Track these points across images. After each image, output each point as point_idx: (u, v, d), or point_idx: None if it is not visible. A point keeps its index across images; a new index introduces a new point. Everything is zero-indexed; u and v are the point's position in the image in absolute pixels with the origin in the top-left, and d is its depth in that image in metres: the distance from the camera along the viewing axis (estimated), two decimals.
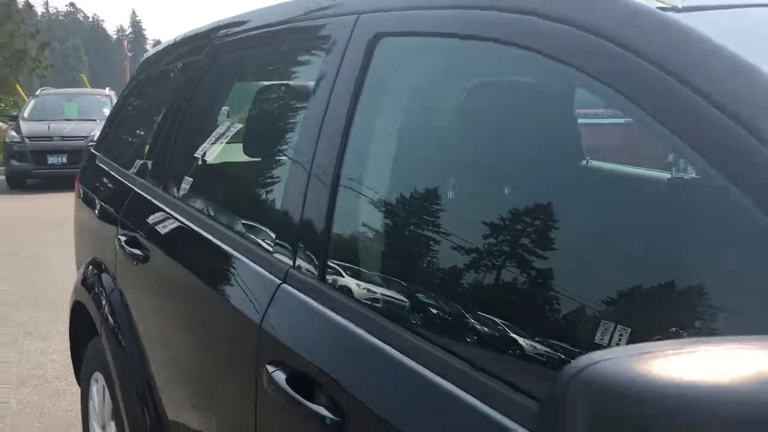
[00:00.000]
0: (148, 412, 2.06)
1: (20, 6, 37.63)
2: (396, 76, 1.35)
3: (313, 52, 1.63)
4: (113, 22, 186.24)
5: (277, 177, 1.60)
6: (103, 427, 2.46)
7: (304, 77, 1.68)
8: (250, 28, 2.01)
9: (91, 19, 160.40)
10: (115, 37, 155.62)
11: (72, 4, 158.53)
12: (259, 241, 1.53)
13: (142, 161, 2.48)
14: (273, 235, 1.48)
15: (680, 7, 0.93)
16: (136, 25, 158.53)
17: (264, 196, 1.74)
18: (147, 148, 2.56)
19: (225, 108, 2.25)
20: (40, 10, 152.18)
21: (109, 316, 2.28)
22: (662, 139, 0.84)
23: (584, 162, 1.36)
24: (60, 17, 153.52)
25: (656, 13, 0.90)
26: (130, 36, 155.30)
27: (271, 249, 1.46)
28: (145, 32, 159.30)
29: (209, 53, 2.20)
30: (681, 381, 0.52)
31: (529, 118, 1.11)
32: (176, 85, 2.47)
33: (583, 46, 0.93)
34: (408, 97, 1.35)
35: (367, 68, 1.32)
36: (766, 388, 0.51)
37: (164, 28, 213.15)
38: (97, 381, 2.53)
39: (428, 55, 1.31)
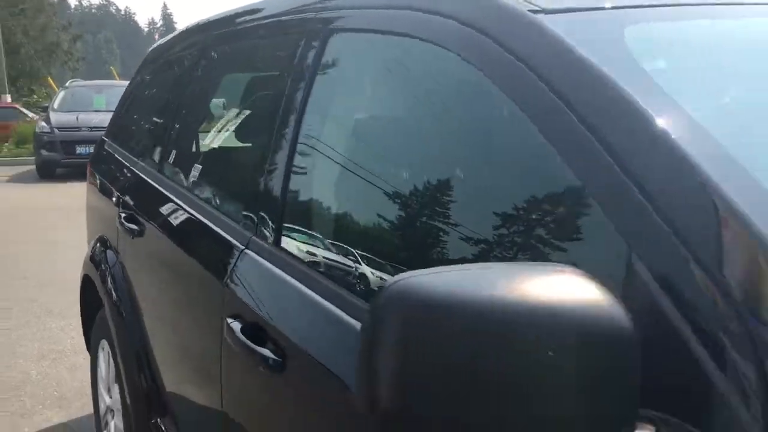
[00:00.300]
0: (144, 375, 2.27)
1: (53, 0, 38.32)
2: (342, 70, 1.53)
3: (278, 47, 1.81)
4: (145, 14, 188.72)
5: (246, 159, 1.80)
6: (108, 390, 2.68)
7: (270, 69, 1.88)
8: (236, 23, 2.20)
9: (123, 12, 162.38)
10: (146, 29, 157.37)
11: None
12: (229, 214, 1.73)
13: (140, 146, 2.69)
14: (240, 208, 1.68)
15: (547, 8, 1.08)
16: (167, 17, 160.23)
17: (234, 175, 1.94)
18: (145, 134, 2.77)
19: (220, 100, 2.43)
20: (73, 3, 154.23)
21: (111, 288, 2.50)
22: (525, 126, 0.99)
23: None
24: (93, 10, 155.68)
25: (526, 15, 1.06)
26: (161, 29, 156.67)
27: (238, 220, 1.65)
28: (176, 25, 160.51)
29: (203, 46, 2.39)
30: (466, 292, 0.69)
31: (433, 109, 1.28)
32: (173, 77, 2.67)
33: (468, 40, 1.10)
34: (350, 88, 1.52)
35: (319, 61, 1.50)
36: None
37: (195, 18, 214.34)
38: (103, 349, 2.75)
39: (367, 50, 1.48)
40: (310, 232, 1.45)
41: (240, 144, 1.96)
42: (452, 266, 0.78)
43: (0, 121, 17.37)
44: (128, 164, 2.72)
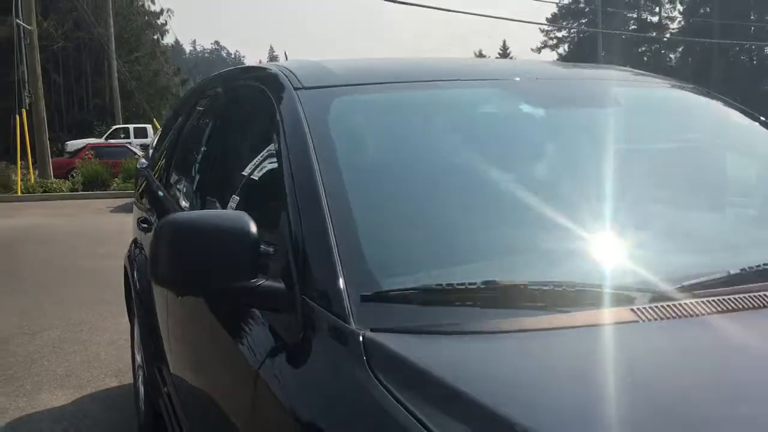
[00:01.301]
0: (153, 342, 3.17)
1: (164, 47, 41.57)
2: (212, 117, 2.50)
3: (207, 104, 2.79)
4: (253, 57, 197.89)
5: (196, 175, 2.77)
6: (138, 351, 3.65)
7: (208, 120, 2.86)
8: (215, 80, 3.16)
9: (233, 56, 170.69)
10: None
11: (216, 42, 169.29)
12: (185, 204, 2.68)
13: (158, 168, 3.70)
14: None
15: (303, 86, 1.93)
16: (273, 59, 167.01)
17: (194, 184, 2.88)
18: (162, 159, 3.77)
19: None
20: (188, 48, 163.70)
21: (135, 278, 3.47)
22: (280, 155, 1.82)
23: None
24: (206, 55, 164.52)
25: (291, 89, 1.91)
26: None
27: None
28: None
29: (197, 94, 3.38)
30: (185, 217, 1.56)
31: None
32: (184, 116, 3.65)
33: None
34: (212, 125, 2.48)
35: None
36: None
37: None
38: (135, 324, 3.73)
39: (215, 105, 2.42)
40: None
41: (196, 167, 2.92)
42: (193, 212, 1.66)
43: (113, 159, 19.39)
44: (149, 181, 3.73)
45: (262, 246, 1.54)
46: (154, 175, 3.74)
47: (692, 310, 1.31)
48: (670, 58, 71.18)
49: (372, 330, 1.28)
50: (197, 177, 2.71)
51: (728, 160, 2.13)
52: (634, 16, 70.14)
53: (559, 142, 1.98)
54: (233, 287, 1.50)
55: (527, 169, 1.84)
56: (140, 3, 41.78)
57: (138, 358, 3.65)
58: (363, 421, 1.16)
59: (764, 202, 1.98)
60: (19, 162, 17.70)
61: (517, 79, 2.12)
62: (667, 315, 1.29)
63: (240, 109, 2.36)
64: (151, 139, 16.57)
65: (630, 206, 1.73)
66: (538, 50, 76.55)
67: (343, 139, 1.75)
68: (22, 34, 19.10)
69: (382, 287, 1.39)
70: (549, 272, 1.43)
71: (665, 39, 67.45)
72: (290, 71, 2.05)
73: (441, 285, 1.38)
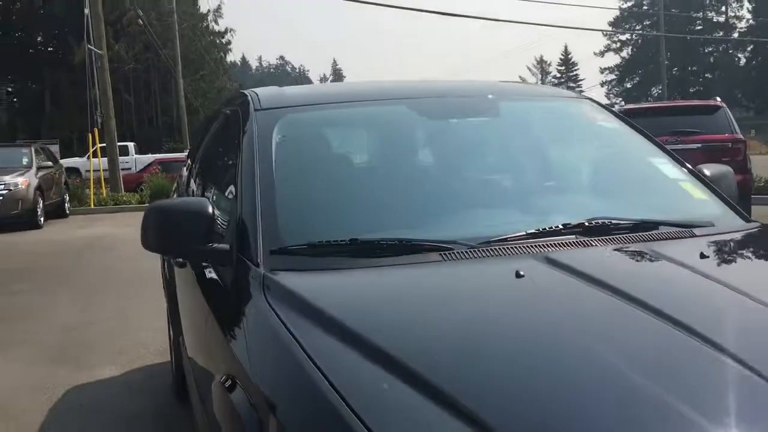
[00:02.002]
0: (175, 317, 3.86)
1: (228, 65, 43.22)
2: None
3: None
4: (317, 71, 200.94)
5: (197, 176, 3.47)
6: (170, 327, 4.39)
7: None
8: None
9: (297, 70, 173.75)
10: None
11: (282, 57, 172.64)
12: None
13: (181, 175, 4.45)
14: None
15: (260, 108, 2.59)
16: (337, 72, 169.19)
17: (195, 182, 3.58)
18: (185, 168, 4.51)
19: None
20: (254, 65, 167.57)
21: (165, 270, 4.21)
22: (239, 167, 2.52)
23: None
24: (271, 70, 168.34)
25: (251, 111, 2.58)
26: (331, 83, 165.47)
27: None
28: (345, 78, 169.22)
29: (213, 115, 4.09)
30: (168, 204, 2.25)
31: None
32: (202, 132, 4.37)
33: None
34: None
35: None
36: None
37: (361, 74, 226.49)
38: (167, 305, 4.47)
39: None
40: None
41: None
42: (169, 199, 2.33)
43: (178, 173, 20.62)
44: (178, 187, 4.48)
45: (219, 221, 2.22)
46: (181, 179, 4.50)
47: (473, 255, 1.93)
48: (738, 57, 69.39)
49: (271, 270, 1.93)
50: (198, 177, 3.43)
51: (565, 154, 2.73)
52: (700, 15, 68.74)
53: (434, 144, 2.64)
54: (195, 250, 2.18)
55: (403, 164, 2.50)
56: (205, 24, 43.65)
57: (171, 332, 4.39)
58: (256, 326, 1.81)
59: (577, 187, 2.58)
60: (92, 176, 19.03)
61: (416, 98, 2.77)
62: (460, 257, 1.91)
63: (226, 126, 3.03)
64: None
65: (469, 190, 2.38)
66: (601, 54, 75.81)
67: (279, 146, 2.41)
68: (93, 58, 20.52)
69: (285, 245, 2.04)
70: (394, 233, 2.06)
71: (732, 39, 65.75)
72: (256, 96, 2.73)
73: (322, 242, 2.03)
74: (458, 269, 1.90)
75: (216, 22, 43.06)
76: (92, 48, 20.04)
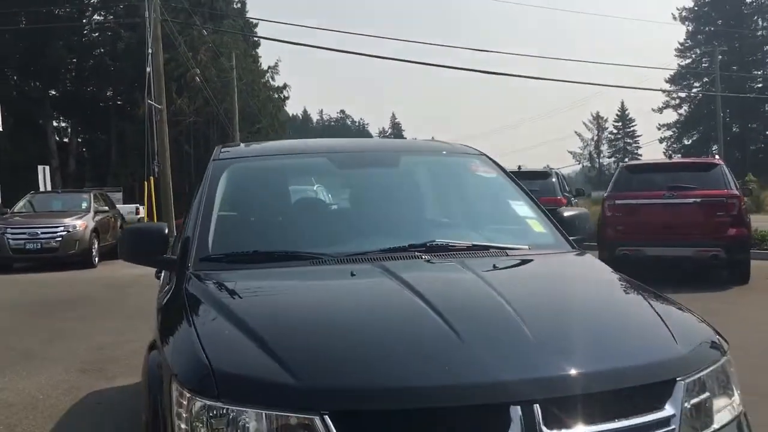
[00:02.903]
0: None
1: (282, 119, 45.15)
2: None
3: None
4: (376, 124, 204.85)
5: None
6: None
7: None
8: None
9: (357, 123, 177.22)
10: (376, 137, 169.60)
11: (342, 111, 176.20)
12: None
13: None
14: None
15: (219, 159, 3.50)
16: (395, 126, 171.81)
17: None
18: None
19: None
20: (315, 117, 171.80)
21: None
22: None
23: None
24: (332, 123, 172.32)
25: (214, 160, 3.49)
26: (390, 136, 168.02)
27: None
28: (403, 132, 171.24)
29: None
30: None
31: None
32: None
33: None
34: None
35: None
36: None
37: (419, 128, 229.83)
38: None
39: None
40: None
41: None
42: (140, 223, 3.21)
43: None
44: None
45: (173, 239, 3.12)
46: None
47: (332, 262, 2.77)
48: None
49: (196, 270, 2.79)
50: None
51: (442, 196, 3.57)
52: (759, 74, 68.14)
53: (347, 187, 3.49)
54: (153, 259, 3.08)
55: (309, 202, 3.38)
56: (264, 80, 45.82)
57: None
58: (172, 304, 2.66)
59: (442, 220, 3.40)
60: (146, 220, 20.46)
61: (335, 152, 3.65)
62: (341, 261, 2.74)
63: (203, 172, 3.95)
64: None
65: (355, 221, 3.25)
66: (660, 110, 75.50)
67: (223, 185, 3.30)
68: (153, 112, 22.18)
69: (209, 254, 2.90)
70: (287, 249, 2.91)
71: None
72: (218, 150, 3.66)
73: (234, 252, 2.89)
74: (315, 270, 2.74)
75: (273, 78, 45.19)
76: (152, 102, 21.68)
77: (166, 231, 3.09)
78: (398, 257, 2.80)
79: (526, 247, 3.09)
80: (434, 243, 2.92)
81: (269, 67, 45.96)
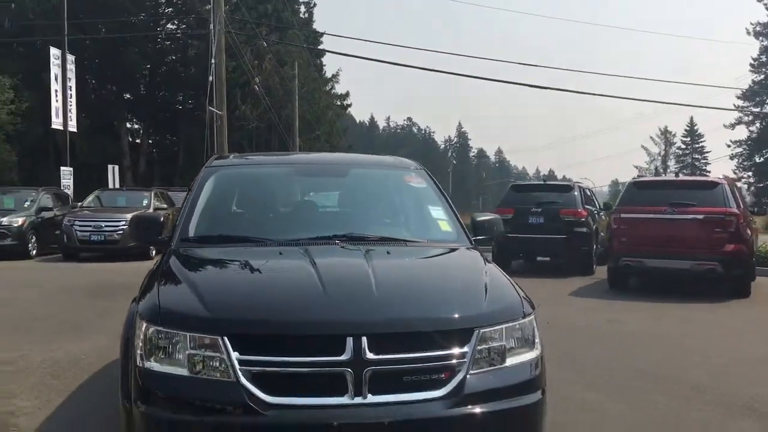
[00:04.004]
0: None
1: (340, 126, 46.50)
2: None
3: None
4: (442, 133, 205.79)
5: None
6: None
7: None
8: None
9: (423, 131, 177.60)
10: (442, 146, 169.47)
11: (409, 119, 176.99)
12: None
13: None
14: None
15: (212, 166, 4.58)
16: (462, 135, 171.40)
17: None
18: None
19: None
20: (382, 124, 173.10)
21: None
22: None
23: None
24: (398, 130, 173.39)
25: (207, 166, 4.57)
26: (456, 145, 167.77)
27: None
28: (469, 141, 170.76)
29: None
30: None
31: None
32: None
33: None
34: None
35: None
36: None
37: (486, 138, 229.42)
38: None
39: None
40: None
41: None
42: (146, 212, 4.30)
43: None
44: None
45: (169, 225, 4.21)
46: None
47: (273, 244, 3.79)
48: None
49: (178, 247, 3.86)
50: None
51: (377, 200, 4.54)
52: None
53: (310, 189, 4.53)
54: (151, 240, 4.18)
55: (273, 201, 4.42)
56: (328, 88, 47.35)
57: None
58: (157, 269, 3.72)
59: (368, 218, 4.37)
60: None
61: (300, 164, 4.70)
62: (279, 244, 3.77)
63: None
64: None
65: (303, 216, 4.26)
66: (732, 126, 73.73)
67: (210, 186, 4.36)
68: (215, 117, 23.68)
69: (188, 236, 3.97)
70: (246, 235, 3.95)
71: None
72: (216, 159, 4.74)
73: (206, 236, 3.96)
74: (256, 249, 3.81)
75: (333, 87, 46.70)
76: (213, 109, 23.19)
77: (162, 219, 4.17)
78: (322, 244, 3.80)
79: (426, 240, 4.06)
80: (353, 234, 3.92)
81: (332, 76, 47.55)
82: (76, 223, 17.00)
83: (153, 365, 2.95)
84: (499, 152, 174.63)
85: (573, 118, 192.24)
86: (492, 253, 15.36)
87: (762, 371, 6.37)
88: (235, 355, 2.83)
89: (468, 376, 2.93)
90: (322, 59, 46.93)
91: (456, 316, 3.07)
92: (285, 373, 2.83)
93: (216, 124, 23.82)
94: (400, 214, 4.48)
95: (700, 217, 10.74)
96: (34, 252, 17.58)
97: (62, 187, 22.96)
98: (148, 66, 40.40)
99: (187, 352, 2.89)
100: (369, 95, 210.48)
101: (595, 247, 14.33)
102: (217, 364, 2.84)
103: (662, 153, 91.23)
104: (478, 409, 2.90)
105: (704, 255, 10.64)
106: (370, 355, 2.82)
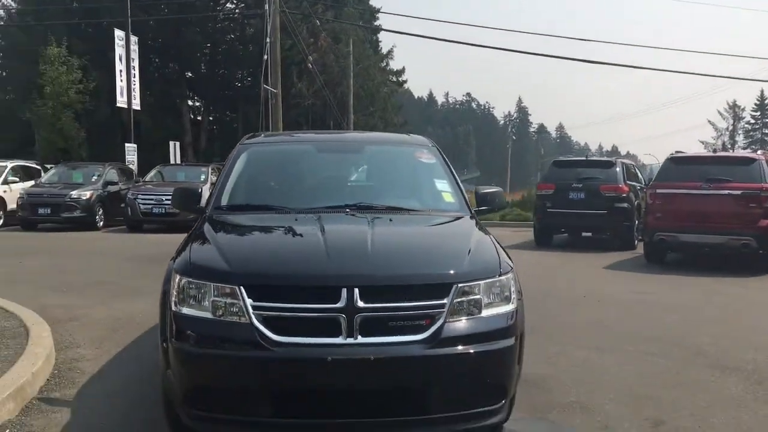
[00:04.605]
0: None
1: (395, 101, 46.85)
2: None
3: None
4: (502, 108, 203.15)
5: None
6: None
7: None
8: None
9: (483, 106, 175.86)
10: (501, 122, 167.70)
11: (468, 94, 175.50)
12: None
13: None
14: None
15: (245, 143, 5.17)
16: (522, 110, 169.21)
17: None
18: None
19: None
20: (440, 100, 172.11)
21: None
22: None
23: None
24: (457, 106, 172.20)
25: (241, 144, 5.17)
26: (516, 120, 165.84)
27: None
28: (530, 117, 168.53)
29: None
30: None
31: None
32: None
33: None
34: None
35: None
36: None
37: (547, 113, 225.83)
38: None
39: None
40: None
41: None
42: (187, 183, 4.92)
43: None
44: None
45: (207, 195, 4.83)
46: None
47: (292, 212, 4.37)
48: None
49: (209, 214, 4.47)
50: None
51: (388, 174, 5.05)
52: None
53: (327, 164, 5.09)
54: (193, 208, 4.80)
55: (296, 175, 4.98)
56: (383, 64, 47.74)
57: None
58: (194, 231, 4.32)
59: (379, 190, 4.87)
60: None
61: (319, 141, 5.27)
62: (296, 212, 4.36)
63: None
64: None
65: (323, 188, 4.83)
66: None
67: (242, 162, 4.95)
68: (270, 96, 24.46)
69: (221, 205, 4.58)
70: (270, 204, 4.55)
71: None
72: (250, 136, 5.33)
73: (234, 204, 4.56)
74: (277, 215, 4.40)
75: (388, 63, 47.10)
76: (268, 87, 23.97)
77: (199, 191, 4.79)
78: (334, 212, 4.34)
79: (429, 210, 4.56)
80: (362, 204, 4.45)
81: (387, 52, 47.87)
82: (139, 196, 18.03)
83: (184, 310, 3.55)
84: (560, 127, 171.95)
85: (638, 92, 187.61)
86: (534, 228, 15.74)
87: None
88: (249, 301, 3.40)
89: (446, 323, 3.43)
90: (377, 36, 47.30)
91: (437, 272, 3.57)
92: (290, 317, 3.39)
93: (271, 102, 24.61)
94: (408, 186, 4.98)
95: (736, 192, 10.88)
96: (101, 224, 18.74)
97: (127, 163, 24.13)
98: (209, 45, 41.44)
99: (211, 299, 3.48)
100: (427, 71, 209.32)
101: (636, 222, 14.48)
102: (235, 309, 3.42)
103: (730, 128, 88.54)
104: (452, 351, 3.40)
105: (739, 230, 10.79)
106: (360, 304, 3.35)
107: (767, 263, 11.10)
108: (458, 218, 4.51)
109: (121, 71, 26.30)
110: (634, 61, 68.79)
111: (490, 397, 3.56)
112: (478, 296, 3.56)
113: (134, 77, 26.68)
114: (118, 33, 26.21)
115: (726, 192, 10.95)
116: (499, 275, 3.69)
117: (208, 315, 3.48)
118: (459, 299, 3.50)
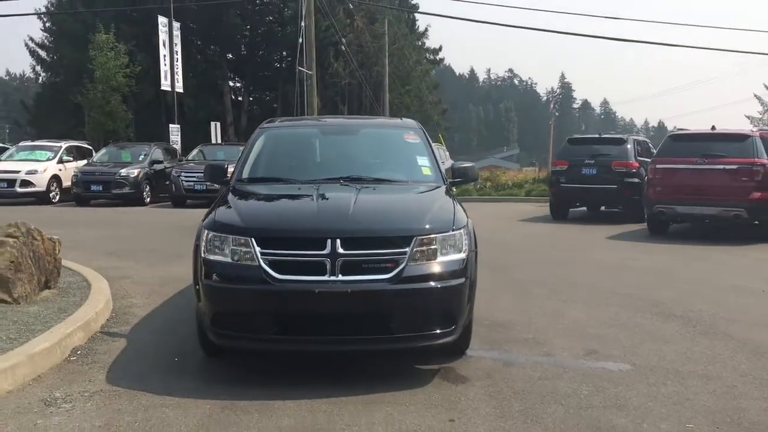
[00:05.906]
0: None
1: (430, 80, 47.52)
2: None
3: None
4: (544, 84, 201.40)
5: None
6: None
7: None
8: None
9: (525, 83, 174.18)
10: (544, 98, 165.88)
11: (510, 70, 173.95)
12: None
13: None
14: None
15: (263, 127, 6.28)
16: (565, 86, 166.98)
17: None
18: None
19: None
20: (482, 77, 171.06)
21: None
22: None
23: None
24: (498, 83, 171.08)
25: (260, 127, 6.29)
26: (558, 97, 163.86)
27: None
28: (573, 93, 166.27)
29: None
30: None
31: None
32: None
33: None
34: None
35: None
36: None
37: (591, 89, 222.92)
38: None
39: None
40: None
41: None
42: (216, 160, 6.07)
43: None
44: None
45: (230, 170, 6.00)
46: None
47: (297, 182, 5.51)
48: None
49: (234, 184, 5.63)
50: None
51: (378, 152, 6.11)
52: None
53: (329, 144, 6.20)
54: (220, 180, 5.98)
55: (302, 152, 6.10)
56: (420, 43, 48.46)
57: None
58: (220, 198, 5.46)
59: (369, 165, 5.94)
60: None
61: (323, 125, 6.39)
62: (302, 183, 5.50)
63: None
64: None
65: (324, 164, 5.96)
66: None
67: (260, 142, 6.08)
68: (305, 77, 25.58)
69: (242, 178, 5.73)
70: (281, 177, 5.68)
71: None
72: (268, 121, 6.46)
73: (253, 177, 5.70)
74: (286, 186, 5.56)
75: (422, 44, 47.80)
76: (303, 69, 25.08)
77: (226, 166, 5.93)
78: (330, 182, 5.44)
79: (408, 180, 5.63)
80: (353, 176, 5.54)
81: (423, 31, 48.60)
82: (183, 174, 19.44)
83: (210, 256, 4.69)
84: (605, 103, 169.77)
85: (686, 67, 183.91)
86: (550, 203, 16.67)
87: (725, 296, 7.57)
88: (258, 249, 4.52)
89: (407, 266, 4.50)
90: (414, 15, 47.96)
91: (401, 227, 4.65)
92: (288, 261, 4.50)
93: (306, 84, 25.72)
94: (393, 162, 6.06)
95: (729, 167, 11.66)
96: (148, 200, 20.26)
97: (171, 143, 25.62)
98: (248, 27, 42.76)
99: (230, 247, 4.61)
100: (469, 48, 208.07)
101: None
102: (248, 255, 4.54)
103: None
104: (411, 287, 4.49)
105: (731, 202, 11.60)
106: (341, 251, 4.44)
107: (758, 233, 11.90)
108: (434, 188, 5.55)
109: (164, 56, 27.71)
110: (681, 40, 67.99)
111: (441, 323, 4.63)
112: (434, 246, 4.62)
113: (177, 61, 28.07)
114: (162, 19, 27.58)
115: (720, 167, 11.74)
116: (452, 230, 4.74)
117: (228, 259, 4.61)
118: (419, 248, 4.56)
